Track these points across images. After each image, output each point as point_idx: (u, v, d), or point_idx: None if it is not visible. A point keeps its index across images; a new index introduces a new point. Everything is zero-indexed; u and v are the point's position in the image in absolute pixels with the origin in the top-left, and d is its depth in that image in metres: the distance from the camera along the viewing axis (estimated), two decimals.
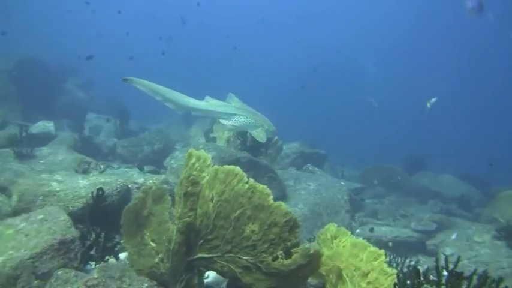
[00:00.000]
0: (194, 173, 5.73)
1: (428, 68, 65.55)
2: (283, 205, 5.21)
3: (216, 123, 16.87)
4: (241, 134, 14.71)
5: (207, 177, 5.67)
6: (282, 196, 13.55)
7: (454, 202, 20.04)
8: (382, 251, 5.43)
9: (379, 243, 12.84)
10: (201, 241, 5.66)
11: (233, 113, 12.59)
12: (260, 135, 12.74)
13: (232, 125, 12.63)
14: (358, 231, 13.92)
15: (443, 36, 63.64)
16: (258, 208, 5.26)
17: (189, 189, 5.66)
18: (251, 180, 5.39)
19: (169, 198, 6.26)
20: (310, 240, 11.14)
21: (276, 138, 16.28)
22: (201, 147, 13.80)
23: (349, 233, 5.98)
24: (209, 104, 12.32)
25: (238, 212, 5.35)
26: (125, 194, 9.67)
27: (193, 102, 11.94)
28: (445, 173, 24.12)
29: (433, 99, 16.18)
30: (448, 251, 12.55)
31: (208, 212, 5.54)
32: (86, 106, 26.27)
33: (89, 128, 22.02)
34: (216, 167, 5.66)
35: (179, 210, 5.75)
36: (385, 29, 68.30)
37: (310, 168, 17.70)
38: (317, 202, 13.73)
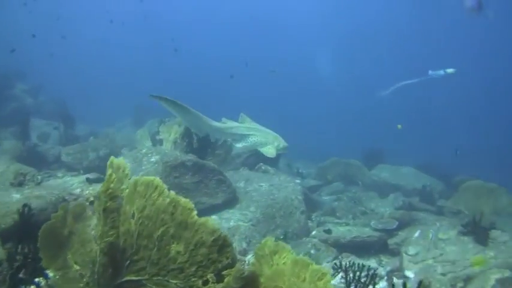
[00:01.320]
0: (112, 185, 5.10)
1: (385, 59, 65.31)
2: (209, 221, 4.61)
3: (162, 125, 16.32)
4: (188, 136, 14.11)
5: (127, 190, 5.06)
6: (232, 199, 13.17)
7: (416, 195, 19.64)
8: (327, 270, 4.65)
9: (338, 245, 12.36)
10: (128, 262, 5.00)
11: (246, 134, 12.73)
12: (269, 151, 12.75)
13: (244, 146, 12.78)
14: (314, 232, 13.22)
15: (397, 26, 63.49)
16: (181, 226, 4.66)
17: (108, 204, 5.04)
18: (172, 193, 4.80)
19: (91, 214, 5.70)
20: None
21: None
22: (144, 151, 13.41)
23: (289, 248, 5.24)
24: (225, 126, 12.50)
25: (160, 230, 4.76)
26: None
27: (210, 123, 12.10)
28: (405, 165, 23.61)
29: (451, 70, 15.51)
30: (412, 250, 11.84)
31: (131, 230, 4.93)
32: (34, 112, 25.40)
33: (37, 136, 21.56)
34: (134, 178, 5.08)
35: (100, 229, 5.14)
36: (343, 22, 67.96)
37: (263, 167, 17.26)
38: (270, 204, 13.23)
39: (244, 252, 10.86)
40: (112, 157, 5.40)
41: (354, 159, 22.54)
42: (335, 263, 8.45)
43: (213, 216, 12.19)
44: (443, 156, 24.66)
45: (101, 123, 29.49)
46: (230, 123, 12.73)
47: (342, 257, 11.70)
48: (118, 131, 26.60)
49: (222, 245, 4.55)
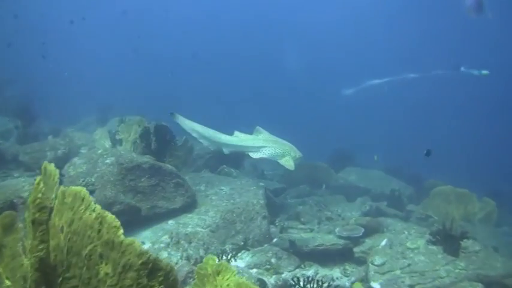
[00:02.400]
0: (40, 195, 4.58)
1: (358, 58, 65.13)
2: (136, 243, 4.08)
3: (122, 125, 16.04)
4: (145, 136, 13.69)
5: (56, 201, 4.59)
6: (191, 204, 12.79)
7: (385, 199, 19.21)
8: None
9: (300, 253, 11.82)
10: (60, 279, 4.51)
11: (262, 146, 13.68)
12: (288, 163, 13.55)
13: (261, 157, 13.64)
14: (275, 240, 12.69)
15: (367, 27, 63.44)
16: (108, 245, 4.16)
17: (36, 216, 4.56)
18: (98, 207, 4.30)
19: (22, 226, 5.13)
20: (218, 256, 10.40)
21: (184, 137, 15.47)
22: (99, 151, 12.97)
23: (232, 268, 4.74)
24: (239, 139, 13.67)
25: (88, 248, 4.27)
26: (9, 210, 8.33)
27: (224, 138, 13.36)
28: (374, 168, 23.34)
29: (485, 72, 15.12)
30: (378, 260, 11.35)
31: (61, 245, 4.46)
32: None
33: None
34: (62, 188, 4.58)
35: (29, 243, 4.66)
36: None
37: (225, 169, 16.89)
38: (230, 209, 12.80)
39: (202, 261, 10.31)
40: (45, 162, 4.93)
41: (321, 162, 22.18)
42: (293, 279, 7.94)
43: (170, 221, 11.86)
44: (414, 160, 24.34)
45: (66, 121, 28.78)
46: (243, 136, 13.77)
47: (304, 266, 11.31)
48: (82, 129, 25.97)
49: (152, 268, 4.06)
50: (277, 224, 14.62)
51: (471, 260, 11.12)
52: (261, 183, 16.10)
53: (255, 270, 10.60)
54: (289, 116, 49.74)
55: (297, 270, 11.05)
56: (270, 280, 10.00)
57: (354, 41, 65.79)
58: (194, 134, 13.13)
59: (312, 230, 14.32)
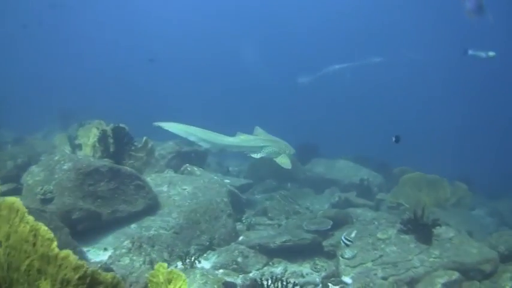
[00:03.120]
0: None
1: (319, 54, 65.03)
2: (71, 256, 3.78)
3: (80, 129, 16.01)
4: (103, 139, 13.51)
5: None
6: (153, 206, 12.38)
7: (354, 189, 18.98)
8: None
9: (267, 250, 11.43)
10: None
11: (263, 145, 14.42)
12: (285, 161, 14.44)
13: (261, 156, 14.49)
14: (241, 238, 12.40)
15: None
16: (44, 259, 3.88)
17: None
18: (30, 218, 4.01)
19: None
20: (182, 258, 10.15)
21: (145, 138, 15.03)
22: (56, 157, 12.55)
23: (183, 276, 4.55)
24: (241, 140, 14.29)
25: (26, 263, 3.99)
26: None
27: (226, 140, 13.98)
28: (340, 158, 22.90)
29: (492, 53, 14.88)
30: (348, 253, 11.10)
31: (1, 261, 4.18)
32: None
33: None
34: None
35: None
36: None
37: (188, 168, 16.42)
38: (194, 208, 12.46)
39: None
40: None
41: None
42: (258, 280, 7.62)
43: (133, 225, 11.50)
44: (382, 147, 24.20)
45: (29, 129, 28.32)
46: (245, 137, 14.45)
47: (272, 263, 11.00)
48: (45, 136, 25.67)
49: (90, 283, 3.76)
50: (244, 221, 14.33)
51: (445, 247, 10.94)
52: (226, 180, 16.02)
53: (221, 270, 10.32)
54: (255, 111, 49.55)
55: (265, 268, 10.77)
56: (237, 280, 9.69)
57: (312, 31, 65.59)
58: (192, 138, 13.57)
59: (279, 226, 14.06)
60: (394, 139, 11.81)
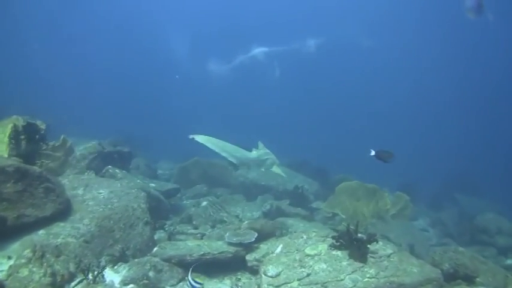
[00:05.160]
0: None
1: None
2: None
3: None
4: (14, 137, 12.69)
5: None
6: (64, 210, 11.48)
7: (288, 196, 18.57)
8: None
9: (184, 264, 10.73)
10: None
11: (269, 158, 14.95)
12: (280, 170, 15.13)
13: (266, 169, 15.16)
14: (155, 249, 11.49)
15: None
16: None
17: None
18: None
19: None
20: (84, 272, 9.50)
21: (62, 136, 14.64)
22: None
23: None
24: (259, 154, 14.73)
25: None
26: None
27: (250, 155, 14.46)
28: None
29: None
30: (272, 270, 10.21)
31: None
32: None
33: None
34: None
35: None
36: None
37: (110, 170, 15.90)
38: (107, 215, 11.68)
39: (70, 278, 9.16)
40: None
41: (218, 159, 21.35)
42: None
43: (41, 232, 10.57)
44: (320, 153, 23.84)
45: None
46: (262, 151, 14.85)
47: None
48: None
49: None
50: (166, 229, 13.84)
51: (382, 265, 10.14)
52: (152, 184, 15.56)
53: (131, 285, 9.60)
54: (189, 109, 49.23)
55: (180, 284, 10.16)
56: None
57: None
58: (224, 154, 13.69)
59: (203, 236, 13.57)
60: (373, 153, 11.00)
